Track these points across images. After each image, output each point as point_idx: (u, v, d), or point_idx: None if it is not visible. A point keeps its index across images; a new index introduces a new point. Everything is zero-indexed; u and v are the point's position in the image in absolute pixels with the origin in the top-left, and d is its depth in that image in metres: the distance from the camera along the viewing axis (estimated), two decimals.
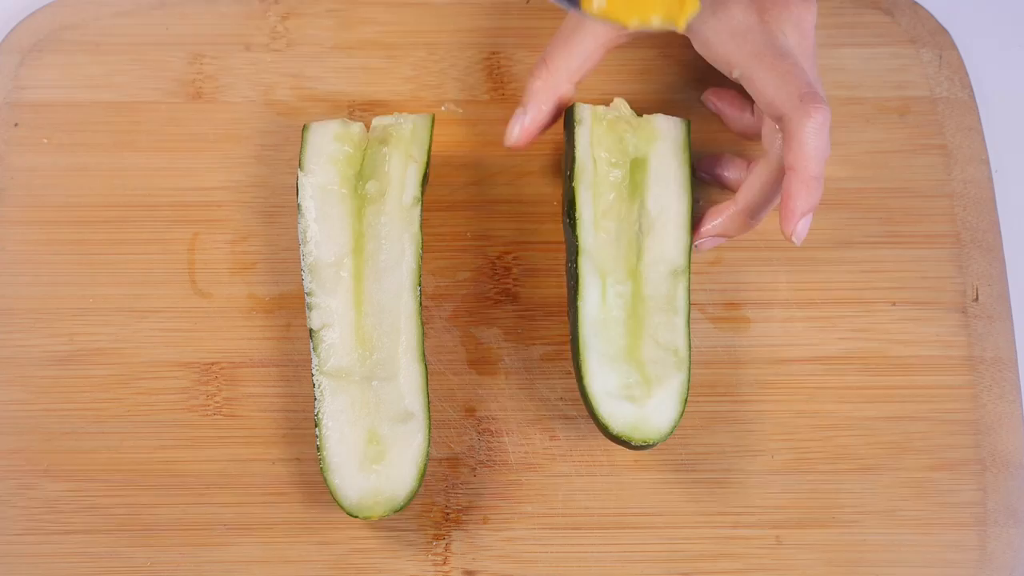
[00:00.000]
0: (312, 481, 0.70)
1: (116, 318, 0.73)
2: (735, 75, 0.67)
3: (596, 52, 0.71)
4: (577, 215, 0.69)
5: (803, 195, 0.64)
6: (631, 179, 0.71)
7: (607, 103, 0.72)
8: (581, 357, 0.67)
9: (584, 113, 0.71)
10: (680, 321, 0.68)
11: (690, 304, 0.69)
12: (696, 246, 0.71)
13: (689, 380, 0.67)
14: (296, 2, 0.79)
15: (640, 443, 0.66)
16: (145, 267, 0.74)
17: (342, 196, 0.70)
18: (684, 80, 0.78)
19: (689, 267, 0.69)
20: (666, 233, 0.70)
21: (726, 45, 0.66)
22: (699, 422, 0.72)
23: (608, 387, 0.67)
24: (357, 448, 0.66)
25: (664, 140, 0.71)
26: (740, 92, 0.73)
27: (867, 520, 0.71)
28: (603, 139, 0.71)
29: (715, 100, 0.74)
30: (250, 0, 0.79)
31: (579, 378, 0.67)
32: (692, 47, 0.78)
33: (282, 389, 0.72)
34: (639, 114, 0.72)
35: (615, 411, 0.66)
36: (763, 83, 0.65)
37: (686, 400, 0.67)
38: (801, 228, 0.65)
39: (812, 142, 0.63)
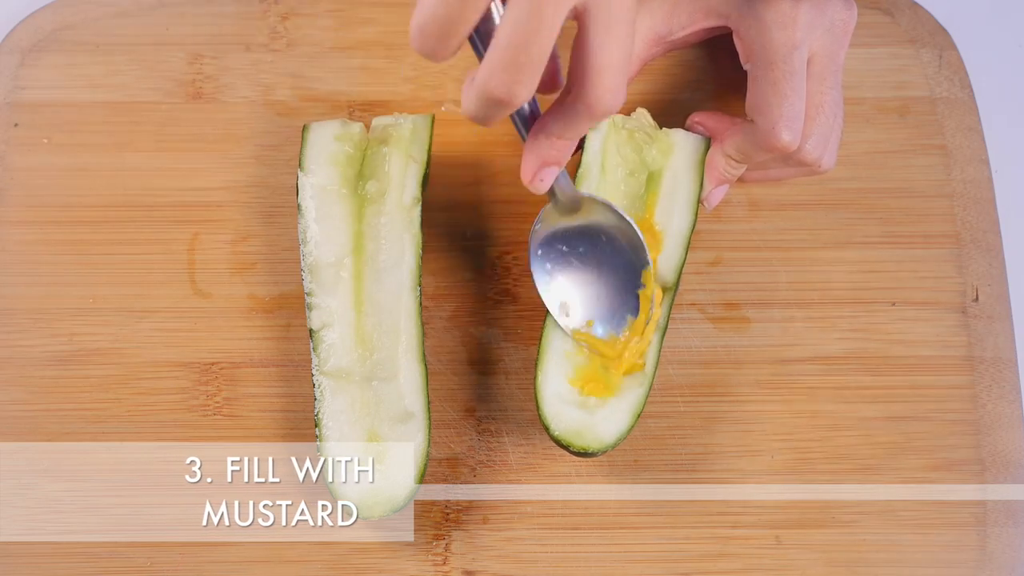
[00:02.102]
0: (312, 481, 0.70)
1: (116, 318, 0.73)
2: (745, 67, 0.68)
3: (634, 65, 0.72)
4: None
5: (715, 165, 0.70)
6: (648, 190, 0.71)
7: None
8: (540, 355, 0.67)
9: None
10: (656, 337, 0.68)
11: (668, 322, 0.69)
12: (704, 203, 0.72)
13: (647, 395, 0.67)
14: (296, 2, 0.79)
15: (579, 450, 0.66)
16: (145, 267, 0.74)
17: (342, 196, 0.70)
18: (688, 81, 0.78)
19: (677, 285, 0.69)
20: (663, 248, 0.69)
21: (755, 39, 0.67)
22: (699, 422, 0.72)
23: (560, 389, 0.67)
24: (357, 448, 0.66)
25: (679, 155, 0.71)
26: (724, 113, 0.74)
27: (867, 520, 0.71)
28: (622, 147, 0.71)
29: (704, 122, 0.74)
30: (250, 0, 0.79)
31: (535, 375, 0.67)
32: (697, 48, 0.78)
33: (282, 389, 0.72)
34: (660, 126, 0.72)
35: (560, 413, 0.66)
36: (760, 90, 0.67)
37: (639, 415, 0.67)
38: (713, 196, 0.72)
39: (751, 152, 0.68)
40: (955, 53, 0.78)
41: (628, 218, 0.66)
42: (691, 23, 0.70)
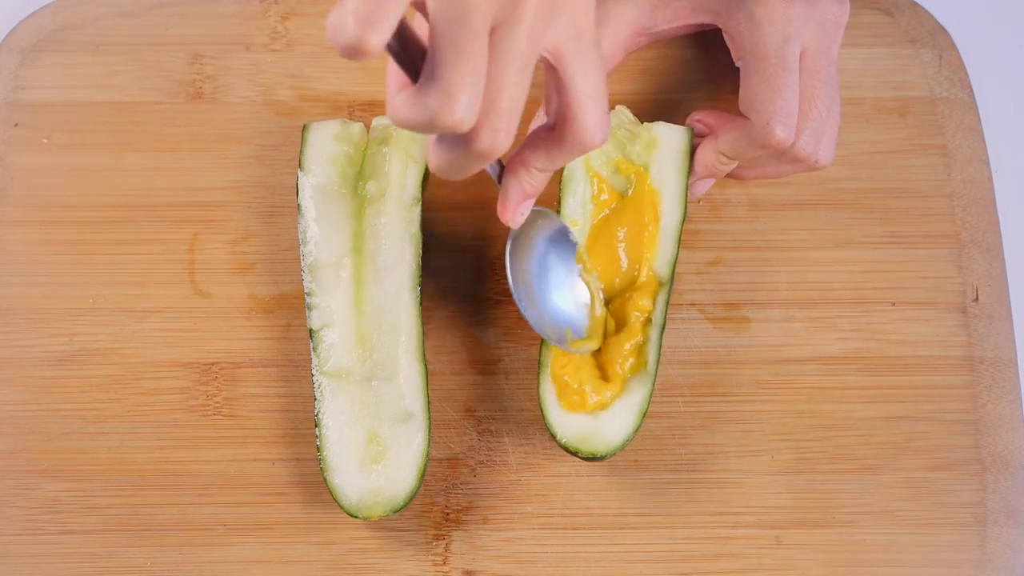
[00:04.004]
0: (312, 481, 0.70)
1: (116, 318, 0.73)
2: (737, 64, 0.68)
3: (616, 54, 0.72)
4: (562, 217, 0.69)
5: (706, 162, 0.71)
6: (637, 186, 0.70)
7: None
8: (542, 361, 0.67)
9: None
10: (655, 334, 0.68)
11: (666, 317, 0.69)
12: (691, 189, 0.72)
13: (651, 393, 0.67)
14: (296, 2, 0.79)
15: (588, 455, 0.66)
16: (145, 267, 0.74)
17: (342, 196, 0.70)
18: (684, 80, 0.78)
19: (672, 280, 0.69)
20: (655, 243, 0.69)
21: (746, 36, 0.67)
22: (699, 422, 0.72)
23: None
24: (357, 448, 0.66)
25: (663, 148, 0.70)
26: (723, 110, 0.74)
27: (867, 520, 0.71)
28: (604, 146, 0.71)
29: (704, 119, 0.74)
30: (250, 0, 0.79)
31: (537, 382, 0.67)
32: (691, 47, 0.78)
33: (282, 389, 0.72)
34: (641, 120, 0.72)
35: (565, 419, 0.66)
36: (753, 86, 0.67)
37: (644, 414, 0.67)
38: (697, 187, 0.72)
39: (746, 149, 0.68)
40: (955, 53, 0.78)
41: (546, 209, 0.66)
42: (676, 18, 0.71)
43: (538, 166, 0.56)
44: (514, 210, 0.59)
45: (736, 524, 0.71)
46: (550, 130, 0.55)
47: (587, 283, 0.68)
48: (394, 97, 0.50)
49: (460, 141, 0.51)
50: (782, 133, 0.66)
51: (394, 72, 0.51)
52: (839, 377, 0.73)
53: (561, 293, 0.67)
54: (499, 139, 0.50)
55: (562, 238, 0.67)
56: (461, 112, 0.48)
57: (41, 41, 0.78)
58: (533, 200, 0.60)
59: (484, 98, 0.49)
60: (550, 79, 0.54)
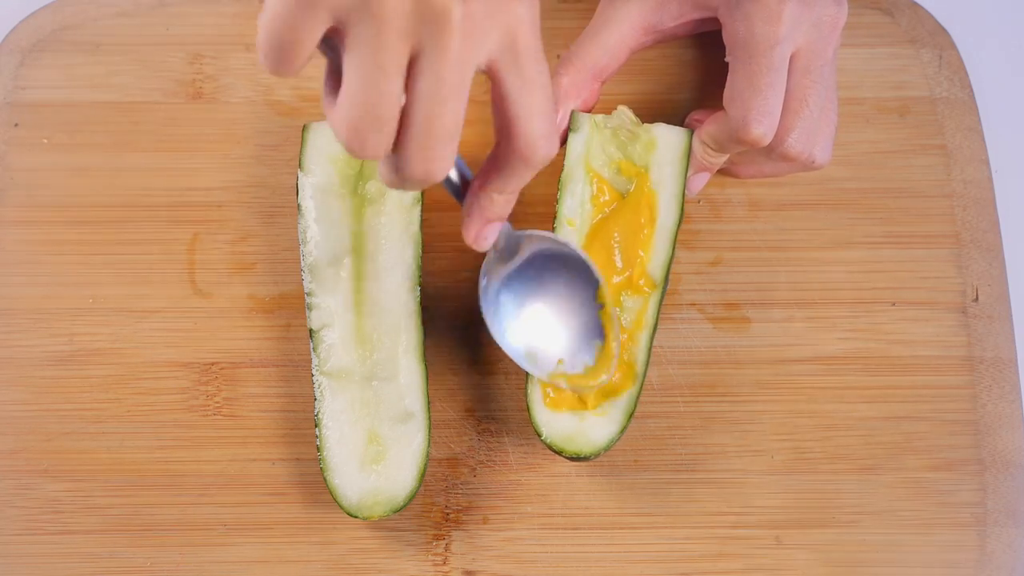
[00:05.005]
0: (312, 481, 0.71)
1: (116, 318, 0.73)
2: (727, 59, 0.68)
3: (622, 52, 0.71)
4: (557, 220, 0.69)
5: (694, 152, 0.71)
6: (636, 187, 0.70)
7: (608, 103, 0.72)
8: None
9: (581, 121, 0.70)
10: (645, 336, 0.68)
11: (658, 319, 0.68)
12: (687, 185, 0.72)
13: (639, 395, 0.67)
14: None
15: (572, 455, 0.66)
16: (145, 267, 0.74)
17: (342, 196, 0.70)
18: (684, 80, 0.78)
19: (666, 282, 0.69)
20: (651, 244, 0.69)
21: (738, 32, 0.67)
22: (699, 422, 0.72)
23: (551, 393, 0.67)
24: (357, 448, 0.66)
25: (663, 150, 0.70)
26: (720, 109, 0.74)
27: (867, 520, 0.71)
28: (606, 146, 0.70)
29: (702, 118, 0.74)
30: (250, 0, 0.79)
31: (525, 380, 0.67)
32: (692, 48, 0.78)
33: (282, 389, 0.72)
34: (641, 120, 0.72)
35: (551, 418, 0.66)
36: (737, 82, 0.67)
37: (631, 415, 0.67)
38: (692, 183, 0.73)
39: (724, 142, 0.68)
40: (955, 53, 0.78)
41: (564, 240, 0.65)
42: (681, 15, 0.71)
43: (493, 188, 0.55)
44: (476, 234, 0.58)
45: (736, 524, 0.71)
46: (496, 148, 0.54)
47: (604, 321, 0.66)
48: (328, 103, 0.50)
49: (390, 164, 0.50)
50: (757, 130, 0.66)
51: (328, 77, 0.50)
52: (839, 377, 0.73)
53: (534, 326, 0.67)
54: (434, 168, 0.49)
55: (576, 271, 0.66)
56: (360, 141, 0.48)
57: (41, 41, 0.78)
58: (498, 224, 0.58)
59: (415, 124, 0.48)
60: (493, 94, 0.52)
